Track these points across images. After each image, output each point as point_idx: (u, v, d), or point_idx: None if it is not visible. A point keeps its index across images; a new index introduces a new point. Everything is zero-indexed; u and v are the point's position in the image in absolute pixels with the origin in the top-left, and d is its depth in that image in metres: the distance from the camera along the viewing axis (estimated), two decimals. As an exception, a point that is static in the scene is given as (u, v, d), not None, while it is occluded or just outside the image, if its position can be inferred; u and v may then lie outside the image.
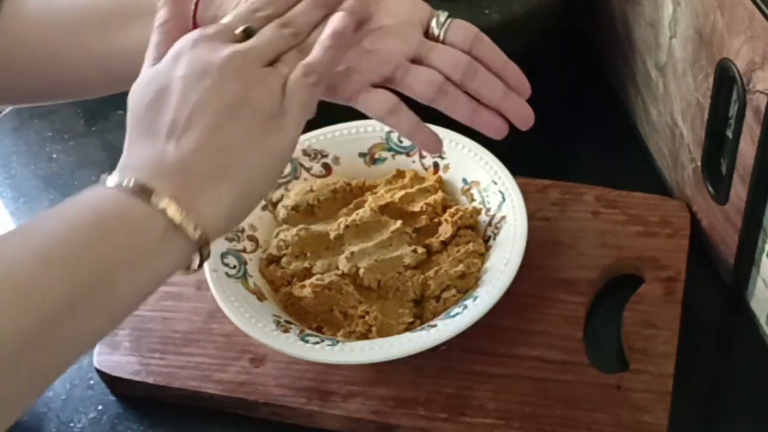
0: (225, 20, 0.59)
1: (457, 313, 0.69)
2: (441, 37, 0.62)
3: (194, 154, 0.54)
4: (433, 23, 0.62)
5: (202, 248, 0.54)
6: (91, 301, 0.50)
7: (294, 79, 0.57)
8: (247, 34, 0.58)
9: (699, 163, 0.75)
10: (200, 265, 0.55)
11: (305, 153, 0.81)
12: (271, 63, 0.58)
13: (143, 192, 0.52)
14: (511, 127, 0.65)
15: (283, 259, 0.74)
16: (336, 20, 0.59)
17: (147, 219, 0.52)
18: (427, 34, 0.62)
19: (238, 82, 0.56)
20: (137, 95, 0.57)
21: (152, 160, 0.54)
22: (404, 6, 0.62)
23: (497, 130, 0.64)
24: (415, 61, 0.62)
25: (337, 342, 0.69)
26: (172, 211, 0.52)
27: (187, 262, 0.54)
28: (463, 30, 0.62)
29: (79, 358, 0.52)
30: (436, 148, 0.65)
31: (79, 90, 0.73)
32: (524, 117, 0.63)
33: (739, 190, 0.70)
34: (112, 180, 0.53)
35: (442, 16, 0.63)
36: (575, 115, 0.92)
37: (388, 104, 0.62)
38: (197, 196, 0.54)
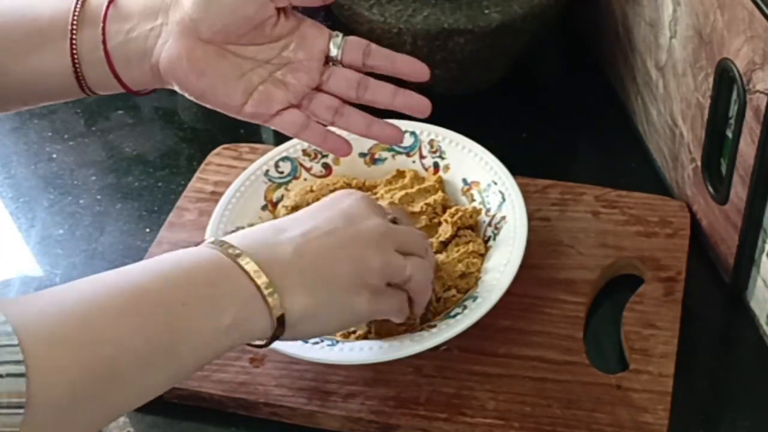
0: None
1: (457, 314, 0.69)
2: (339, 57, 0.68)
3: (317, 264, 0.60)
4: (332, 45, 0.68)
5: (278, 328, 0.58)
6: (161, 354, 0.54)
7: (388, 295, 0.64)
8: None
9: (699, 163, 0.75)
10: (269, 343, 0.60)
11: (305, 153, 0.81)
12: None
13: (236, 255, 0.57)
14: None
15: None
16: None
17: (238, 278, 0.57)
18: (327, 56, 0.68)
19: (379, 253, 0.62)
20: (323, 210, 0.64)
21: (267, 241, 0.60)
22: (313, 39, 0.67)
23: (391, 138, 0.71)
24: (317, 88, 0.68)
25: (337, 342, 0.69)
26: (262, 278, 0.57)
27: (260, 335, 0.59)
28: (355, 47, 0.68)
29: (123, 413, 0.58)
30: (346, 150, 0.71)
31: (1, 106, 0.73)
32: (418, 108, 0.69)
33: (739, 190, 0.70)
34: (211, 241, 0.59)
35: (338, 37, 0.68)
36: (575, 115, 0.92)
37: (299, 122, 0.68)
38: (292, 286, 0.59)
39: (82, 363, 0.50)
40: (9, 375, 0.47)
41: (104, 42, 0.66)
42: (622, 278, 0.76)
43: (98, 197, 0.88)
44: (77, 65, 0.66)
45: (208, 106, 0.67)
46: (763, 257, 0.70)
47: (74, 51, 0.66)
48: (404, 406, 0.69)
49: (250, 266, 0.57)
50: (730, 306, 0.75)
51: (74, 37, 0.66)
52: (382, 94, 0.69)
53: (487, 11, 0.83)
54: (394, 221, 0.67)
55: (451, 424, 0.67)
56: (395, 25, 0.83)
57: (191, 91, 0.66)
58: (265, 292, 0.57)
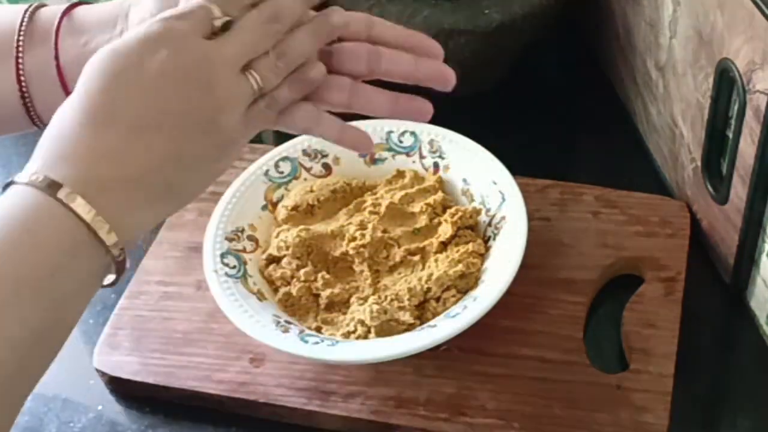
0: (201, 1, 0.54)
1: (457, 313, 0.69)
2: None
3: (149, 165, 0.51)
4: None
5: (120, 262, 0.51)
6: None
7: (259, 109, 0.55)
8: (224, 27, 0.54)
9: (699, 163, 0.75)
10: (116, 280, 0.52)
11: (305, 153, 0.81)
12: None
13: (68, 195, 0.49)
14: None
15: (284, 260, 0.74)
16: (314, 69, 0.57)
17: (64, 224, 0.49)
18: None
19: (212, 97, 0.52)
20: (97, 66, 0.51)
21: (100, 156, 0.50)
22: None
23: (421, 113, 0.61)
24: None
25: (337, 342, 0.69)
26: (97, 222, 0.49)
27: (102, 275, 0.51)
28: (354, 20, 0.60)
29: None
30: (367, 146, 0.63)
31: None
32: (444, 78, 0.60)
33: (739, 190, 0.70)
34: (44, 173, 0.49)
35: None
36: (575, 115, 0.92)
37: (310, 116, 0.59)
38: (131, 212, 0.51)
39: None
40: None
41: (57, 57, 0.59)
42: (622, 278, 0.76)
43: (98, 197, 0.88)
44: (24, 88, 0.59)
45: None
46: (763, 257, 0.70)
47: (20, 72, 0.59)
48: (404, 406, 0.69)
49: (63, 192, 0.48)
50: (730, 306, 0.75)
51: (20, 55, 0.59)
52: (400, 64, 0.60)
53: (487, 11, 0.83)
54: (224, 27, 0.54)
55: (451, 424, 0.67)
56: (395, 25, 0.82)
57: None
58: (93, 225, 0.49)
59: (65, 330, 0.51)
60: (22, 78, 0.59)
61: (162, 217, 0.54)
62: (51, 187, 0.48)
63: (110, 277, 0.52)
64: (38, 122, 0.62)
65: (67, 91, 0.59)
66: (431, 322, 0.69)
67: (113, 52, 0.52)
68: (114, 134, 0.50)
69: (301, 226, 0.75)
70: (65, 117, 0.51)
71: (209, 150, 0.53)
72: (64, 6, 0.60)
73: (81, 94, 0.51)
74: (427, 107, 0.61)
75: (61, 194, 0.48)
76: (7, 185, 0.50)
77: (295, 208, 0.77)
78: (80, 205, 0.48)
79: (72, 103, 0.51)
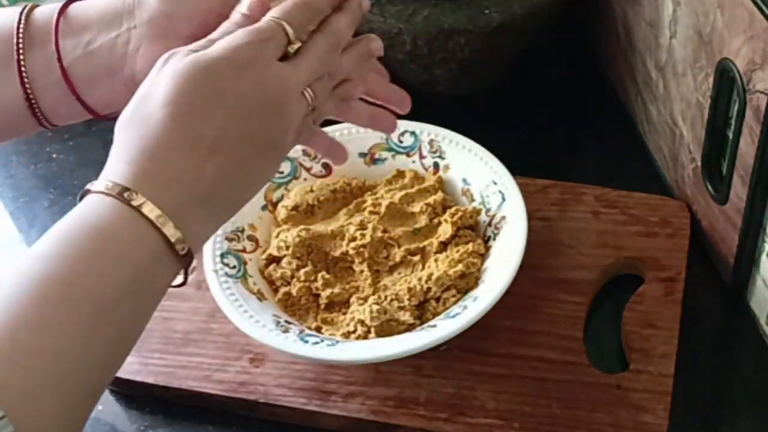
0: (279, 20, 0.56)
1: (457, 313, 0.69)
2: None
3: (222, 184, 0.53)
4: None
5: (187, 266, 0.53)
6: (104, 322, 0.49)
7: (308, 124, 0.58)
8: (297, 52, 0.57)
9: (699, 163, 0.75)
10: (184, 282, 0.54)
11: (305, 153, 0.81)
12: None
13: (137, 203, 0.50)
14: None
15: (284, 260, 0.74)
16: (359, 87, 0.63)
17: (145, 237, 0.51)
18: None
19: (284, 121, 0.55)
20: (188, 82, 0.52)
21: (187, 180, 0.51)
22: None
23: (390, 127, 0.69)
24: None
25: (337, 342, 0.69)
26: (179, 244, 0.51)
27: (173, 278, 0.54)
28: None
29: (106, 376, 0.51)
30: (344, 158, 0.71)
31: None
32: (406, 101, 0.67)
33: (739, 190, 0.70)
34: (133, 187, 0.50)
35: None
36: (575, 115, 0.92)
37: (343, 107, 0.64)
38: (203, 228, 0.54)
39: (61, 399, 0.47)
40: None
41: (59, 60, 0.59)
42: (622, 278, 0.76)
43: (98, 197, 0.88)
44: (29, 91, 0.59)
45: None
46: (763, 257, 0.70)
47: (24, 75, 0.59)
48: (404, 406, 0.69)
49: (154, 214, 0.50)
50: (730, 306, 0.75)
51: (22, 59, 0.59)
52: (381, 86, 0.66)
53: (487, 11, 0.83)
54: (297, 50, 0.56)
55: (451, 424, 0.67)
56: (395, 25, 0.82)
57: None
58: (176, 245, 0.51)
59: (139, 335, 0.53)
60: (26, 81, 0.59)
61: (220, 227, 0.56)
62: (141, 206, 0.50)
63: (179, 278, 0.54)
64: (45, 123, 0.62)
65: (75, 91, 0.60)
66: (431, 322, 0.69)
67: (206, 70, 0.52)
68: (197, 156, 0.52)
69: (301, 226, 0.75)
70: (154, 130, 0.52)
71: (270, 166, 0.57)
72: (58, 5, 0.60)
73: (172, 110, 0.52)
74: (394, 122, 0.68)
75: (147, 211, 0.50)
76: (83, 194, 0.52)
77: (295, 208, 0.77)
78: (168, 227, 0.51)
79: (161, 117, 0.52)
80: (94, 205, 0.51)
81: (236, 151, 0.53)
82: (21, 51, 0.59)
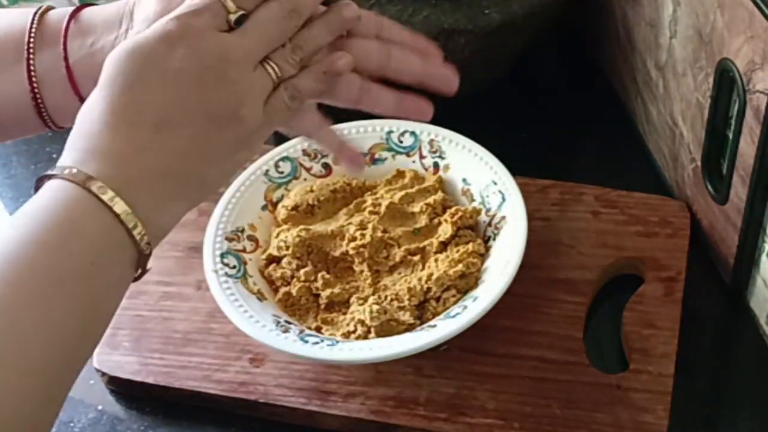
0: None
1: (457, 313, 0.69)
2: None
3: (175, 160, 0.53)
4: None
5: (145, 257, 0.53)
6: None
7: (279, 98, 0.56)
8: (238, 21, 0.55)
9: (699, 163, 0.75)
10: (141, 275, 0.53)
11: (305, 153, 0.81)
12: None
13: (104, 191, 0.50)
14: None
15: (284, 260, 0.74)
16: (342, 59, 0.59)
17: (94, 214, 0.50)
18: None
19: (232, 92, 0.54)
20: (120, 64, 0.52)
21: (129, 154, 0.51)
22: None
23: (423, 113, 0.63)
24: None
25: (337, 342, 0.69)
26: (129, 218, 0.51)
27: (134, 269, 0.53)
28: (366, 19, 0.61)
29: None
30: (359, 167, 0.69)
31: None
32: (449, 80, 0.62)
33: (739, 190, 0.70)
34: (78, 167, 0.51)
35: None
36: (575, 115, 0.92)
37: (316, 122, 0.63)
38: (160, 206, 0.53)
39: (21, 379, 0.47)
40: None
41: (66, 59, 0.60)
42: (622, 278, 0.76)
43: (98, 197, 0.88)
44: (36, 89, 0.60)
45: None
46: (763, 257, 0.70)
47: (32, 73, 0.60)
48: (404, 406, 0.69)
49: (96, 186, 0.50)
50: (730, 306, 0.75)
51: (32, 57, 0.60)
52: (410, 64, 0.61)
53: (487, 11, 0.83)
54: (239, 21, 0.55)
55: (451, 424, 0.67)
56: (395, 25, 0.82)
57: None
58: (125, 221, 0.51)
59: (104, 324, 0.52)
60: (34, 79, 0.60)
61: (187, 210, 0.55)
62: (86, 181, 0.50)
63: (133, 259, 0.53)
64: (50, 123, 0.63)
65: (77, 91, 0.60)
66: (431, 322, 0.69)
67: (133, 51, 0.53)
68: (139, 132, 0.52)
69: (301, 226, 0.75)
70: (92, 114, 0.53)
71: (231, 142, 0.55)
72: (71, 8, 0.62)
73: (105, 93, 0.53)
74: (429, 108, 0.63)
75: (95, 188, 0.50)
76: (39, 180, 0.52)
77: (295, 208, 0.77)
78: (114, 201, 0.50)
79: (97, 101, 0.53)
80: (44, 190, 0.51)
81: (187, 125, 0.53)
82: (31, 49, 0.60)
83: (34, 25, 0.61)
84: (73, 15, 0.61)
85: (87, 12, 0.62)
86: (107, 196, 0.50)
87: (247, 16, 0.56)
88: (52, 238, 0.50)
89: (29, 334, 0.48)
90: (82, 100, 0.60)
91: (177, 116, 0.53)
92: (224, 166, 0.56)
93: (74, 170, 0.51)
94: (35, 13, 0.61)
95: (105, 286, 0.51)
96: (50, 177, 0.52)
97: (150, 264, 0.54)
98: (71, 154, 0.52)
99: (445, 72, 0.62)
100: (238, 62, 0.54)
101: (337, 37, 0.60)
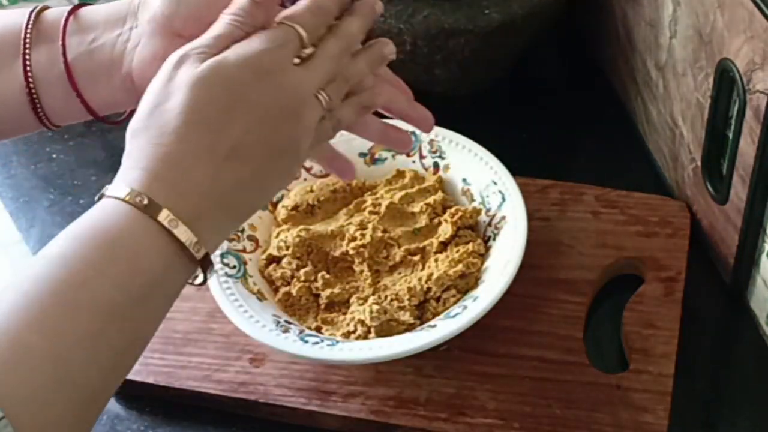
0: (293, 23, 0.56)
1: (457, 313, 0.69)
2: None
3: (239, 190, 0.53)
4: None
5: (207, 268, 0.53)
6: (118, 319, 0.49)
7: (325, 128, 0.58)
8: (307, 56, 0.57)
9: (699, 163, 0.75)
10: (204, 281, 0.54)
11: (305, 153, 0.81)
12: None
13: (152, 209, 0.51)
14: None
15: (284, 260, 0.74)
16: (381, 96, 0.62)
17: (158, 244, 0.51)
18: None
19: (300, 127, 0.55)
20: (207, 91, 0.52)
21: (199, 183, 0.52)
22: None
23: (404, 145, 0.68)
24: None
25: (337, 342, 0.69)
26: (195, 246, 0.52)
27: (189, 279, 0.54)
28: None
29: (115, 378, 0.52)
30: (352, 175, 0.70)
31: None
32: (429, 123, 0.66)
33: (739, 190, 0.70)
34: (147, 194, 0.50)
35: None
36: (575, 115, 0.92)
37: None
38: (219, 231, 0.54)
39: (63, 404, 0.47)
40: None
41: (64, 54, 0.60)
42: (622, 278, 0.76)
43: (98, 197, 0.88)
44: (32, 86, 0.60)
45: None
46: (763, 257, 0.70)
47: (28, 70, 0.60)
48: (404, 406, 0.69)
49: (163, 215, 0.50)
50: (730, 306, 0.75)
51: (27, 54, 0.60)
52: (398, 102, 0.64)
53: (487, 11, 0.83)
54: (304, 53, 0.56)
55: (451, 424, 0.67)
56: (395, 25, 0.82)
57: None
58: (191, 249, 0.51)
59: (152, 335, 0.53)
60: (30, 76, 0.60)
61: (232, 231, 0.59)
62: (152, 209, 0.50)
63: (200, 278, 0.54)
64: (45, 122, 0.62)
65: (75, 88, 0.60)
66: (431, 322, 0.69)
67: (222, 79, 0.53)
68: (211, 161, 0.52)
69: (301, 226, 0.75)
70: (164, 132, 0.52)
71: (285, 171, 0.56)
72: (68, 7, 0.61)
73: (184, 115, 0.52)
74: (410, 140, 0.68)
75: (165, 222, 0.50)
76: (99, 197, 0.52)
77: (295, 208, 0.77)
78: (182, 232, 0.51)
79: (171, 120, 0.52)
80: (107, 209, 0.51)
81: (252, 157, 0.53)
82: (27, 46, 0.60)
83: (31, 23, 0.60)
84: (72, 12, 0.61)
85: (86, 10, 0.62)
86: (178, 230, 0.50)
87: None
88: (106, 262, 0.49)
89: (77, 363, 0.48)
90: (80, 97, 0.60)
91: (247, 148, 0.53)
92: (273, 192, 0.58)
93: (144, 200, 0.50)
94: (32, 11, 0.61)
95: (161, 305, 0.52)
96: (117, 197, 0.51)
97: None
98: (138, 175, 0.51)
99: (427, 114, 0.65)
100: (308, 98, 0.56)
101: None
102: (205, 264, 0.53)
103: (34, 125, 0.62)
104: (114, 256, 0.50)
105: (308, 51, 0.56)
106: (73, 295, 0.48)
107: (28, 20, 0.60)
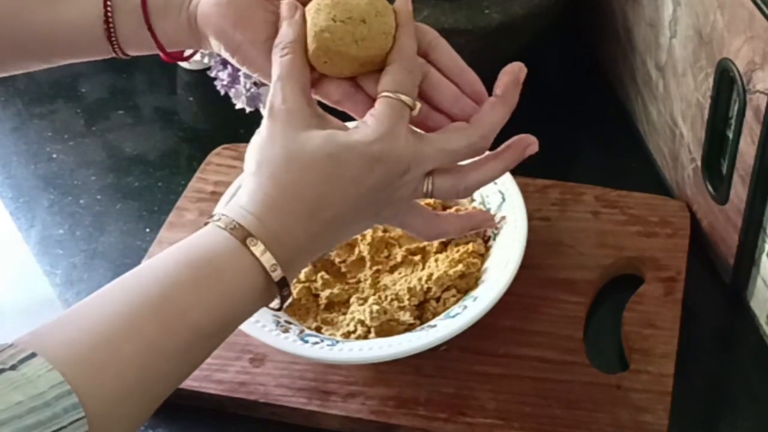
0: (397, 93, 0.58)
1: (457, 313, 0.69)
2: None
3: (329, 241, 0.59)
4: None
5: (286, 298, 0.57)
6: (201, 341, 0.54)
7: (421, 189, 0.60)
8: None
9: (699, 163, 0.75)
10: (281, 306, 0.58)
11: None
12: None
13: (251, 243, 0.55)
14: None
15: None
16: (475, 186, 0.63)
17: (255, 281, 0.55)
18: None
19: (404, 189, 0.59)
20: (330, 167, 0.56)
21: (299, 238, 0.56)
22: None
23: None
24: None
25: (337, 342, 0.69)
26: (282, 282, 0.56)
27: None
28: (419, 33, 0.61)
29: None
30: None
31: (21, 62, 0.68)
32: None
33: (739, 190, 0.70)
34: (262, 240, 0.55)
35: None
36: (575, 115, 0.92)
37: (343, 91, 0.62)
38: (301, 267, 0.59)
39: (137, 408, 0.52)
40: None
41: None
42: (622, 278, 0.76)
43: (98, 197, 0.88)
44: (109, 14, 0.62)
45: (244, 68, 0.62)
46: (763, 257, 0.70)
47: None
48: (404, 406, 0.69)
49: (266, 258, 0.55)
50: (730, 306, 0.75)
51: None
52: (442, 92, 0.61)
53: (487, 11, 0.83)
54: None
55: (451, 424, 0.67)
56: (395, 25, 0.82)
57: (228, 44, 0.60)
58: (279, 288, 0.57)
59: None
60: (108, 4, 0.62)
61: None
62: (262, 254, 0.55)
63: (276, 303, 0.58)
64: (117, 50, 0.64)
65: (148, 22, 0.62)
66: (431, 322, 0.69)
67: (338, 161, 0.56)
68: (313, 223, 0.56)
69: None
70: (282, 192, 0.56)
71: (367, 228, 0.65)
72: None
73: (303, 181, 0.56)
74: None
75: (267, 265, 0.55)
76: (208, 222, 0.57)
77: (295, 208, 0.77)
78: (278, 275, 0.55)
79: (293, 183, 0.56)
80: (218, 241, 0.55)
81: (349, 223, 0.58)
82: None
83: None
84: None
85: None
86: (275, 274, 0.55)
87: None
88: (215, 297, 0.54)
89: (158, 374, 0.53)
90: (150, 29, 0.63)
91: (350, 216, 0.58)
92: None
93: (261, 248, 0.55)
94: None
95: (229, 334, 0.57)
96: (232, 232, 0.55)
97: None
98: (253, 219, 0.55)
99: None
100: (417, 168, 0.58)
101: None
102: (286, 296, 0.57)
103: (107, 51, 0.65)
104: (216, 289, 0.54)
105: (416, 111, 0.59)
106: (173, 317, 0.53)
107: None
